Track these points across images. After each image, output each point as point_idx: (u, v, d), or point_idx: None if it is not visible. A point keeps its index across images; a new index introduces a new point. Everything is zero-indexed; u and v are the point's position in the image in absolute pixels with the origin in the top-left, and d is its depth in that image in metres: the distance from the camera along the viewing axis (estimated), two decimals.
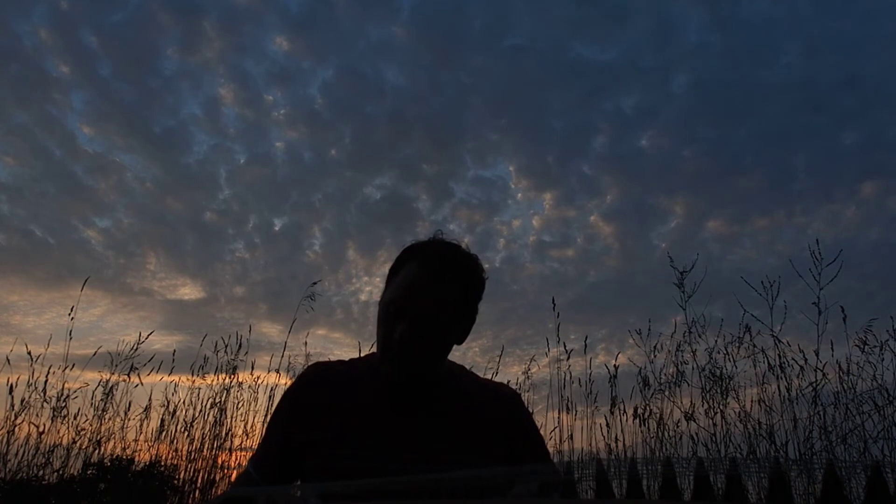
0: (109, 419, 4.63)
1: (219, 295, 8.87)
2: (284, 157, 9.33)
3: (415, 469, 0.99)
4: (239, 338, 4.90)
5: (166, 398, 4.82)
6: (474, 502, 0.54)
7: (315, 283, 4.64)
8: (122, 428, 4.68)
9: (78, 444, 4.48)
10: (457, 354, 1.21)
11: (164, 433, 4.68)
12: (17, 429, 4.37)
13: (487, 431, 1.10)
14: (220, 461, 4.57)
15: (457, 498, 0.55)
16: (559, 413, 4.45)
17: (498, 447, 1.10)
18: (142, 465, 4.64)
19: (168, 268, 9.19)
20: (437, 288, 1.05)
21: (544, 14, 8.92)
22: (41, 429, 4.40)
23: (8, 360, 4.57)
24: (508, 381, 4.80)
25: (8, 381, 4.51)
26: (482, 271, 1.13)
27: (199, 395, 4.82)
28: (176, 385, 4.85)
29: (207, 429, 4.66)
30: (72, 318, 4.53)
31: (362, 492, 0.56)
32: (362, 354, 1.22)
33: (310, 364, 1.21)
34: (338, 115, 9.30)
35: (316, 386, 1.12)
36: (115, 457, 4.63)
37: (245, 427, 4.76)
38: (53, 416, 4.44)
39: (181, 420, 4.71)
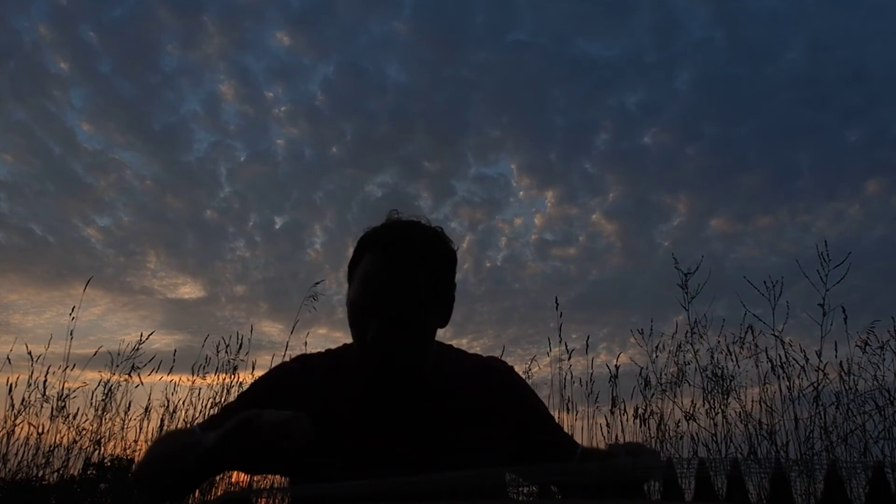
0: (110, 419, 4.63)
1: (219, 294, 8.88)
2: (285, 155, 9.34)
3: (405, 469, 0.96)
4: (240, 337, 4.90)
5: (166, 398, 4.82)
6: (473, 502, 0.54)
7: (318, 283, 4.63)
8: (123, 428, 4.68)
9: (78, 444, 4.49)
10: None
11: (163, 433, 4.67)
12: (17, 429, 4.37)
13: (482, 419, 1.06)
14: None
15: (456, 498, 0.55)
16: (560, 413, 4.45)
17: (496, 431, 1.07)
18: None
19: (168, 266, 9.20)
20: (398, 279, 0.97)
21: (547, 9, 8.92)
22: (41, 429, 4.40)
23: (9, 360, 4.58)
24: None
25: (7, 381, 4.52)
26: (448, 243, 1.06)
27: (199, 394, 4.82)
28: (176, 385, 4.85)
29: None
30: (73, 319, 4.53)
31: (354, 494, 0.56)
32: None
33: (293, 357, 1.15)
34: (339, 112, 9.31)
35: (299, 384, 1.06)
36: (115, 457, 4.63)
37: None
38: (53, 416, 4.44)
39: (181, 420, 4.71)
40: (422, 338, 1.02)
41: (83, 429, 4.53)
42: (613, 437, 4.32)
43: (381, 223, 1.05)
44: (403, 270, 0.97)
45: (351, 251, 1.06)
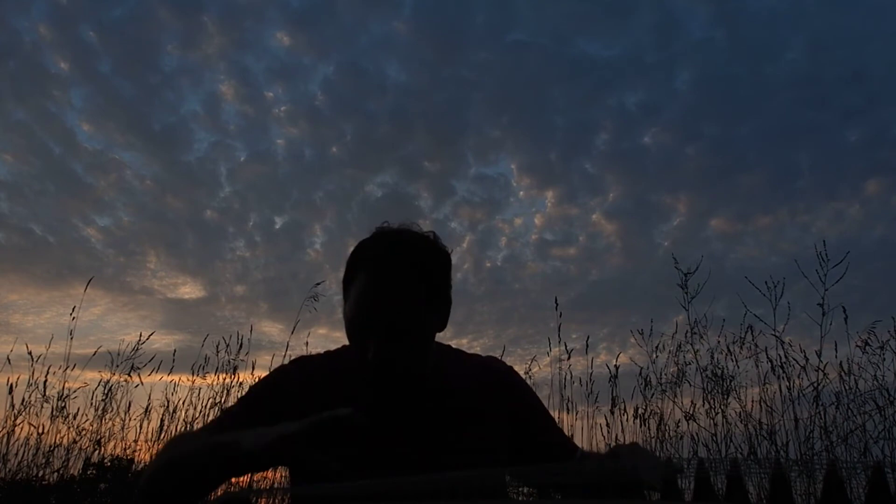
0: (110, 419, 4.64)
1: (219, 294, 8.89)
2: (285, 155, 9.34)
3: (405, 469, 0.96)
4: (240, 337, 4.90)
5: (166, 398, 4.82)
6: (473, 502, 0.54)
7: (318, 284, 4.63)
8: (123, 428, 4.68)
9: (78, 444, 4.49)
10: None
11: (164, 433, 4.68)
12: (17, 429, 4.37)
13: (482, 419, 1.07)
14: None
15: (456, 498, 0.55)
16: (560, 413, 4.45)
17: (496, 431, 1.07)
18: (142, 464, 4.64)
19: (168, 266, 9.21)
20: (393, 295, 0.97)
21: (548, 9, 8.92)
22: (41, 429, 4.40)
23: (8, 360, 4.58)
24: None
25: (8, 381, 4.52)
26: (441, 249, 1.05)
27: (199, 394, 4.82)
28: (176, 385, 4.85)
29: None
30: (73, 319, 4.53)
31: (354, 494, 0.56)
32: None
33: (292, 360, 1.15)
34: (339, 112, 9.32)
35: (298, 386, 1.06)
36: (115, 457, 4.63)
37: None
38: (53, 416, 4.44)
39: (181, 420, 4.71)
40: (421, 345, 1.02)
41: (83, 429, 4.53)
42: (613, 437, 4.32)
43: (371, 236, 1.05)
44: (397, 285, 0.97)
45: (351, 250, 1.05)
